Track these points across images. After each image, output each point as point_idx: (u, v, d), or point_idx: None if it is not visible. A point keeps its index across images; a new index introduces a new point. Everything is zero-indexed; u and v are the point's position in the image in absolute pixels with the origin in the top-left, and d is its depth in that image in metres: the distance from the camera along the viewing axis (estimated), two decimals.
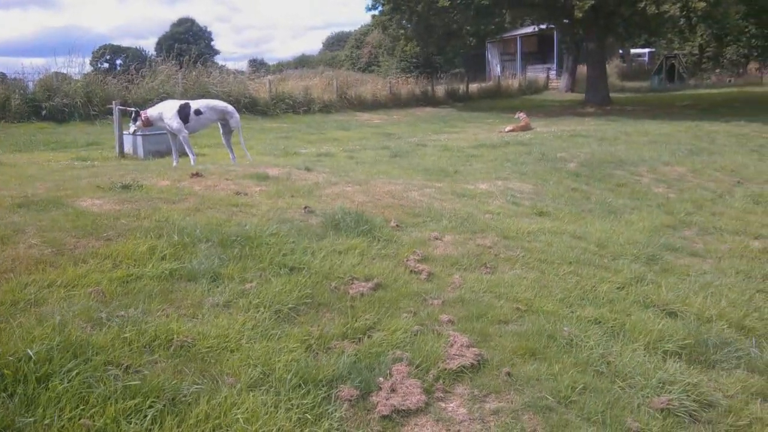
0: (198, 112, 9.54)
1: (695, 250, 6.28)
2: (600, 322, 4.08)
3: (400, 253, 5.03)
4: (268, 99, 23.13)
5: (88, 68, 24.23)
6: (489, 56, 49.21)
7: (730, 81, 41.66)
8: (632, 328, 4.00)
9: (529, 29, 40.47)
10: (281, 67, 52.56)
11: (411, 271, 4.67)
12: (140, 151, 12.04)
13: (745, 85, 38.69)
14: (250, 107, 21.95)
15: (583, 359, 3.54)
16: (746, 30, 25.56)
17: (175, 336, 3.26)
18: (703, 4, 18.52)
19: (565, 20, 27.70)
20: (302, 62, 58.38)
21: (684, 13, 19.52)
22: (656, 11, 19.14)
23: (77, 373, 2.80)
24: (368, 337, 3.57)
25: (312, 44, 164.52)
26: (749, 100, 27.32)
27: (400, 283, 4.38)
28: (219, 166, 8.27)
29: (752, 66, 42.56)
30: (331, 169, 8.72)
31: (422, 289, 4.34)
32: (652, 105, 26.82)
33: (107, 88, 19.85)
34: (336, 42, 69.20)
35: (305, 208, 5.86)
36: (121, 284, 3.84)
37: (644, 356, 3.66)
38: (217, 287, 3.96)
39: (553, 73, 42.91)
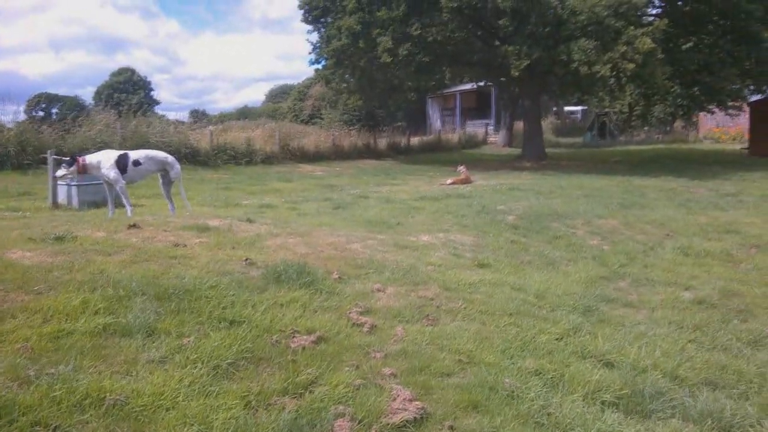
0: (137, 163, 9.39)
1: (629, 301, 6.46)
2: (540, 373, 4.12)
3: (343, 305, 5.00)
4: (209, 149, 22.95)
5: (22, 116, 23.59)
6: (430, 111, 50.41)
7: (658, 138, 43.79)
8: (571, 378, 4.06)
9: (468, 86, 41.77)
10: (223, 118, 52.33)
11: (353, 323, 4.64)
12: (75, 202, 11.71)
13: (672, 142, 40.72)
14: (190, 157, 21.72)
15: (524, 411, 3.56)
16: (672, 90, 26.97)
17: (107, 394, 3.12)
18: (632, 66, 19.53)
19: (502, 78, 28.70)
20: (244, 113, 58.36)
21: (614, 74, 20.50)
22: (588, 71, 20.06)
23: None
24: (310, 392, 3.50)
25: (255, 96, 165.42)
26: (676, 156, 28.69)
27: (342, 336, 4.34)
28: (157, 218, 8.11)
29: (678, 124, 44.91)
30: (273, 221, 8.66)
31: (365, 342, 4.31)
32: (586, 160, 27.84)
33: (42, 137, 19.31)
34: (279, 94, 69.60)
35: (246, 260, 5.78)
36: (52, 340, 3.68)
37: (583, 407, 3.71)
38: (153, 342, 3.84)
39: (491, 128, 44.19)
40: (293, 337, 4.19)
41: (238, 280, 5.16)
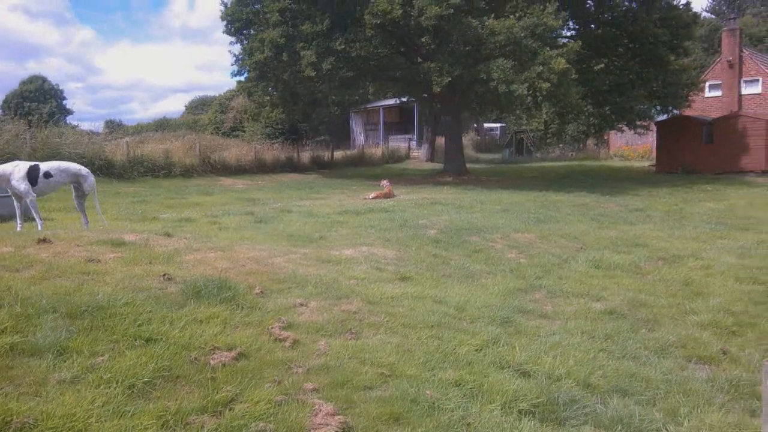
0: (48, 175, 9.00)
1: (545, 312, 6.68)
2: (460, 384, 4.21)
3: (264, 320, 4.95)
4: (125, 161, 22.23)
5: None
6: (353, 125, 50.67)
7: (571, 155, 45.63)
8: (490, 388, 4.16)
9: (391, 101, 42.22)
10: (141, 129, 50.82)
11: (275, 338, 4.60)
12: None
13: (585, 159, 42.49)
14: (105, 170, 20.97)
15: (444, 422, 3.62)
16: (585, 109, 28.18)
17: (14, 417, 2.98)
18: (547, 85, 20.26)
19: (424, 94, 29.15)
20: (163, 125, 56.86)
21: (531, 93, 21.19)
22: (506, 90, 20.66)
23: None
24: (229, 410, 3.45)
25: (174, 107, 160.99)
26: (588, 173, 29.90)
27: (263, 352, 4.30)
28: (69, 232, 7.79)
29: (590, 141, 46.91)
30: (192, 235, 8.48)
31: (286, 357, 4.28)
32: (504, 176, 28.63)
33: None
34: (199, 106, 68.24)
35: (164, 275, 5.64)
36: None
37: (501, 416, 3.81)
38: (64, 362, 3.69)
39: (413, 143, 44.81)
40: (213, 353, 4.12)
41: (155, 296, 5.02)
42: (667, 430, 4.01)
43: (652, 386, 4.70)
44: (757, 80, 31.36)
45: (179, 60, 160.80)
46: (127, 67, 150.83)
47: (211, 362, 3.99)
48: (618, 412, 4.09)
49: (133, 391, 3.48)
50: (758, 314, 6.92)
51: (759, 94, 31.12)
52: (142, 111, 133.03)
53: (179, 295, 5.19)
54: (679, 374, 5.05)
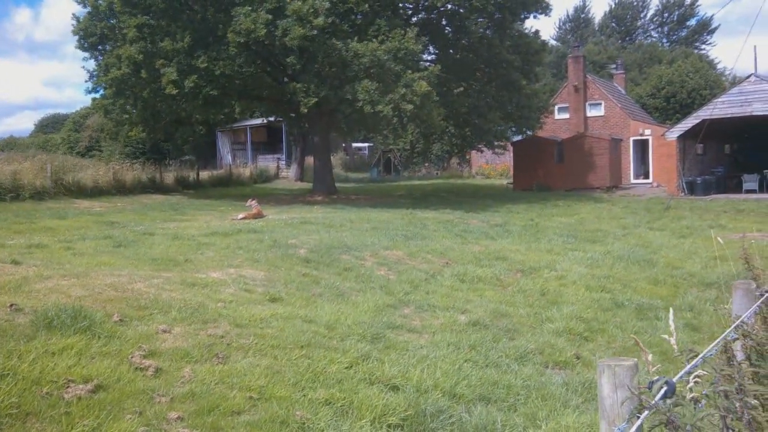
0: None
1: (413, 326, 6.85)
2: (330, 402, 4.22)
3: (124, 349, 4.71)
4: None
5: None
6: (220, 144, 49.52)
7: (437, 174, 47.31)
8: (360, 405, 4.20)
9: (258, 120, 41.71)
10: None
11: (136, 368, 4.39)
12: None
13: (449, 177, 44.16)
14: None
15: None
16: (447, 130, 29.41)
17: None
18: (410, 106, 20.91)
19: (292, 114, 29.09)
20: (10, 144, 52.85)
21: (396, 113, 21.77)
22: (372, 110, 21.10)
23: None
24: None
25: (21, 125, 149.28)
26: (452, 190, 31.08)
27: (123, 383, 4.09)
28: None
29: (454, 161, 48.87)
30: (43, 262, 7.91)
31: (149, 387, 4.09)
32: (373, 194, 29.10)
33: None
34: (51, 124, 64.10)
35: (11, 305, 5.22)
36: None
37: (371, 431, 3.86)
38: None
39: (282, 163, 44.49)
40: (67, 387, 3.86)
41: (1, 328, 4.64)
42: None
43: (513, 392, 4.95)
44: (600, 103, 34.12)
45: (24, 75, 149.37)
46: None
47: (66, 396, 3.74)
48: (482, 420, 4.27)
49: None
50: (606, 320, 7.51)
51: (602, 116, 33.86)
52: None
53: (29, 326, 4.83)
54: (538, 380, 5.36)
